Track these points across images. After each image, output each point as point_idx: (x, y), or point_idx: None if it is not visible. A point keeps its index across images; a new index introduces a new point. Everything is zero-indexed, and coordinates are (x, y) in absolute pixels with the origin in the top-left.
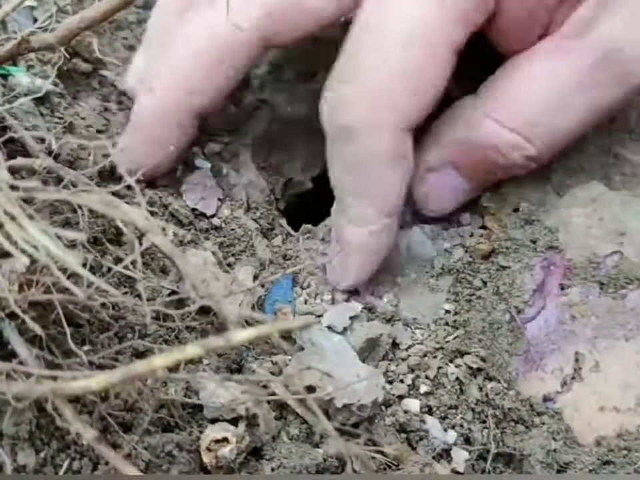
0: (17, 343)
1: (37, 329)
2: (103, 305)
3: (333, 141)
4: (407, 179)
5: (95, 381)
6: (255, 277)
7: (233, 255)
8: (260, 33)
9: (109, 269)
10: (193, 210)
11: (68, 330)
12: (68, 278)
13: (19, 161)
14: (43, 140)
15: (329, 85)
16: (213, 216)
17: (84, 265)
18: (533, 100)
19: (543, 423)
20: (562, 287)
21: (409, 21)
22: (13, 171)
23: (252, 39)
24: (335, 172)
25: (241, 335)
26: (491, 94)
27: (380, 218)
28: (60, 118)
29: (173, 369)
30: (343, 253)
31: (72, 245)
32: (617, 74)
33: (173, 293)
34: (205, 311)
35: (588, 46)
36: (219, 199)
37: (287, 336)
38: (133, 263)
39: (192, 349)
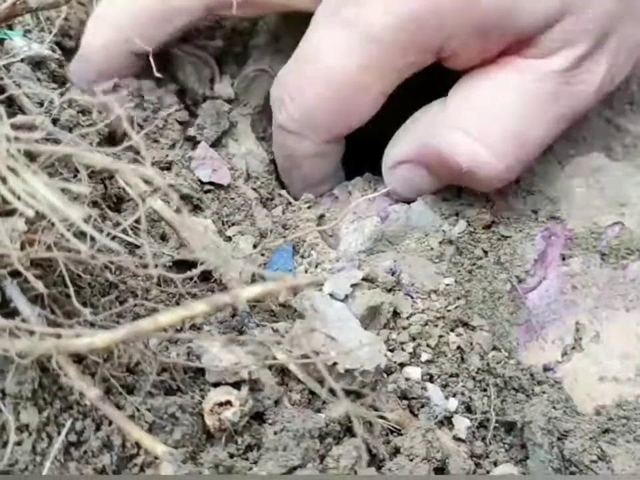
0: (19, 300)
1: (40, 286)
2: (105, 266)
3: (273, 126)
4: (331, 169)
5: (100, 338)
6: (255, 247)
7: (232, 224)
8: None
9: (109, 234)
10: (206, 184)
11: (72, 288)
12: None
13: (20, 118)
14: (40, 104)
15: (277, 78)
16: (228, 186)
17: (87, 221)
18: (501, 115)
19: (544, 392)
20: (563, 257)
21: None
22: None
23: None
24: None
25: (248, 292)
26: (459, 104)
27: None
28: (56, 83)
29: (178, 329)
30: None
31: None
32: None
33: (174, 259)
34: (205, 277)
35: (555, 64)
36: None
37: (286, 305)
38: (133, 228)
39: (198, 306)
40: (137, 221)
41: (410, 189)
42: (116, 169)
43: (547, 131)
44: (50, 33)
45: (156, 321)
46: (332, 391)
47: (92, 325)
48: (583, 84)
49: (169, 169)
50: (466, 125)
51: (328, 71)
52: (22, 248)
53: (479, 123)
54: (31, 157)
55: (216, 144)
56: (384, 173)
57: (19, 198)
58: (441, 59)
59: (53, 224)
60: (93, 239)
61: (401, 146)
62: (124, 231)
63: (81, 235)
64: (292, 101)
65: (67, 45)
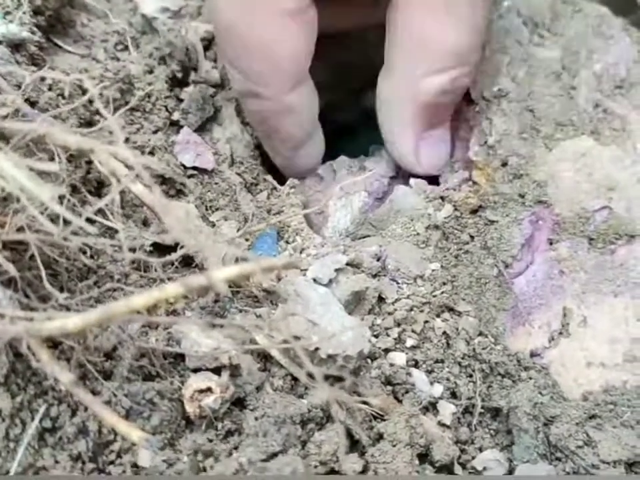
0: None
1: (11, 268)
2: (82, 251)
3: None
4: (307, 124)
5: (72, 321)
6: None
7: (216, 209)
8: None
9: (87, 218)
10: (190, 168)
11: (43, 271)
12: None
13: None
14: (18, 86)
15: None
16: (212, 171)
17: (60, 202)
18: (430, 38)
19: (530, 378)
20: (550, 242)
21: None
22: None
23: None
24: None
25: (223, 273)
26: (397, 61)
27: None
28: (36, 66)
29: (153, 312)
30: None
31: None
32: None
33: (155, 244)
34: (187, 263)
35: None
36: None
37: (269, 290)
38: (114, 213)
39: (172, 288)
40: (115, 206)
41: (435, 157)
42: (90, 148)
43: (478, 16)
44: (30, 15)
45: (129, 303)
46: (314, 377)
47: (68, 309)
48: None
49: (152, 153)
50: (427, 68)
51: (224, 19)
52: None
53: (433, 57)
54: (4, 137)
55: (200, 128)
56: (410, 167)
57: None
58: None
59: (25, 206)
60: (68, 222)
61: (403, 140)
62: (103, 215)
63: (56, 218)
64: (227, 62)
65: (60, 17)
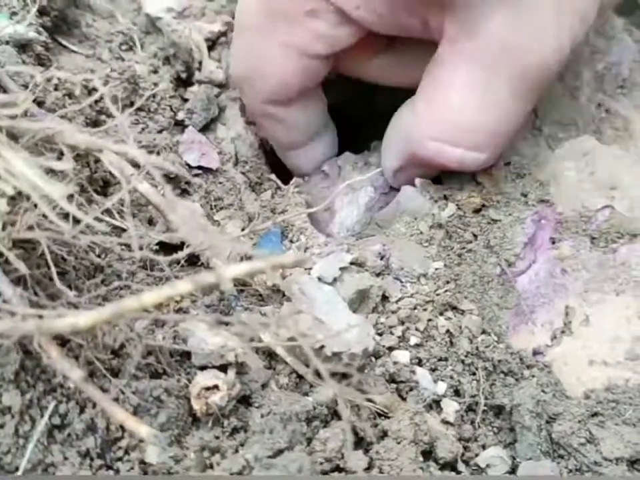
0: (0, 281)
1: (22, 267)
2: (90, 249)
3: None
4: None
5: (83, 319)
6: (243, 231)
7: (221, 208)
8: None
9: (95, 217)
10: (195, 168)
11: (54, 269)
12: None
13: (1, 96)
14: (25, 87)
15: None
16: (217, 170)
17: (69, 201)
18: (460, 110)
19: (533, 376)
20: (553, 241)
21: None
22: None
23: None
24: None
25: (233, 270)
26: (425, 111)
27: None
28: (42, 66)
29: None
30: None
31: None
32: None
33: (160, 243)
34: (192, 262)
35: (484, 45)
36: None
37: (274, 288)
38: (120, 212)
39: (182, 285)
40: (124, 205)
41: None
42: (100, 147)
43: (517, 107)
44: (36, 16)
45: (140, 300)
46: (319, 374)
47: (76, 307)
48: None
49: (157, 153)
50: (444, 135)
51: (242, 18)
52: (3, 228)
53: (455, 129)
54: (13, 137)
55: (204, 128)
56: (387, 178)
57: None
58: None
59: (35, 205)
60: (76, 220)
61: (391, 158)
62: (110, 214)
63: (65, 217)
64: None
65: (65, 18)
